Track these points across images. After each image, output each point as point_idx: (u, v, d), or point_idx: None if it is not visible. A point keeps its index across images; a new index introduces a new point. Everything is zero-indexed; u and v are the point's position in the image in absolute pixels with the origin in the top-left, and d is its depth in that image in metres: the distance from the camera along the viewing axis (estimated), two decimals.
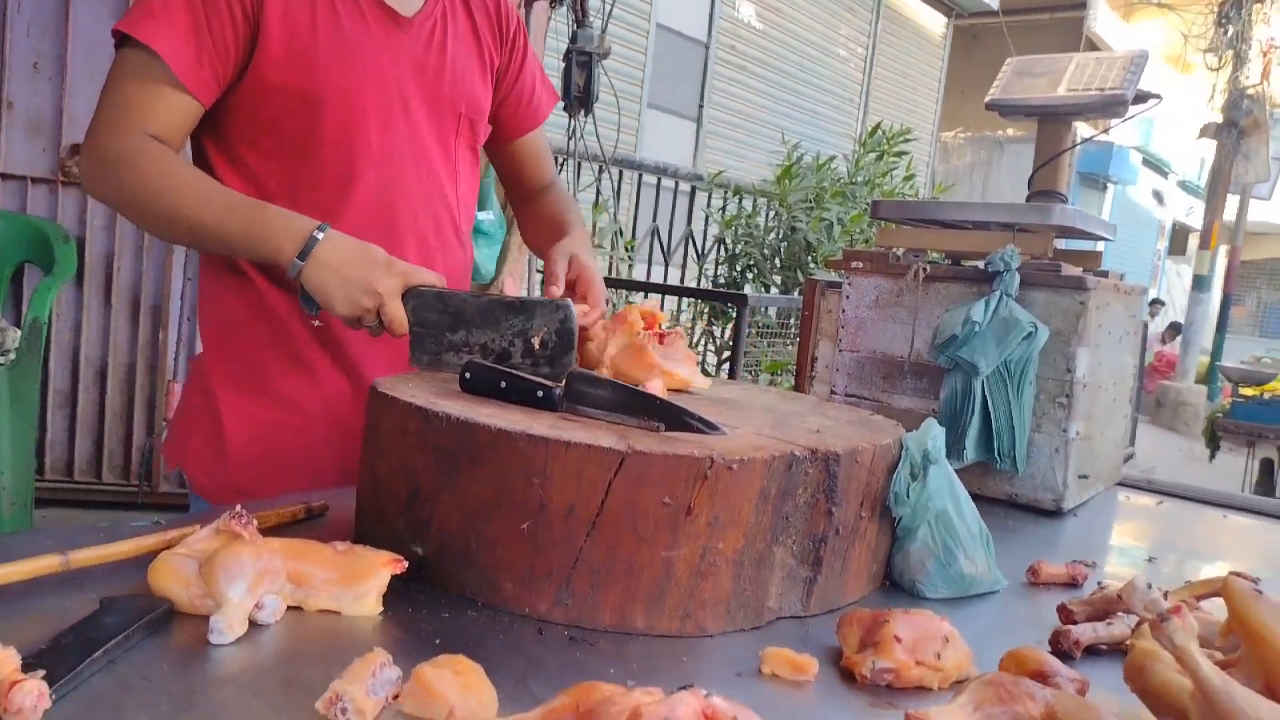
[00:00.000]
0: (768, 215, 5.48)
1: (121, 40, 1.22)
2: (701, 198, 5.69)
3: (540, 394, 0.96)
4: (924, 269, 1.54)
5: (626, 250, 4.73)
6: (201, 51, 1.22)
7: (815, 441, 0.91)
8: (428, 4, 1.37)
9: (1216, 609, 0.86)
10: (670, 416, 0.90)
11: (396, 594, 0.82)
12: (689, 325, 5.05)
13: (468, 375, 1.00)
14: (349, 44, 1.28)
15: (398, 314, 1.14)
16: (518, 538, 0.82)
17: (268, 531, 0.95)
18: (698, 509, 0.81)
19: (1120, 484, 1.71)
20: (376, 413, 0.95)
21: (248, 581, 0.74)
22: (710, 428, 0.88)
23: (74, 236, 3.69)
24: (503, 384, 0.98)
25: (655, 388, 1.03)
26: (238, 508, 0.85)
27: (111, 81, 1.22)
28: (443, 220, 1.39)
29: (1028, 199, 1.80)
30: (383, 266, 1.15)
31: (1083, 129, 1.99)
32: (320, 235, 1.15)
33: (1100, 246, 1.81)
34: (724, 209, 5.57)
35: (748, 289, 5.22)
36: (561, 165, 4.75)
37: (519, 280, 3.44)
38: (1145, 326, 8.35)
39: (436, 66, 1.36)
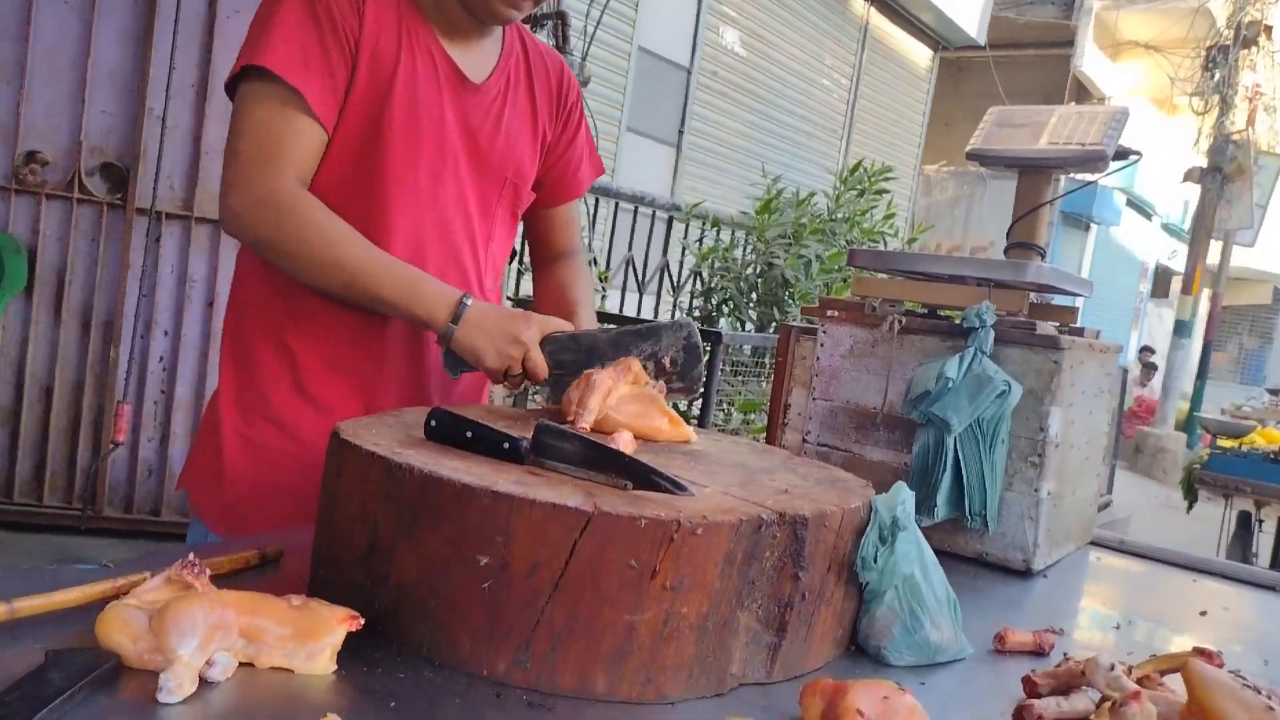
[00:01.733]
0: (745, 249, 5.54)
1: (248, 70, 1.29)
2: (679, 227, 5.73)
3: (506, 445, 0.97)
4: (899, 321, 1.57)
5: (600, 279, 4.76)
6: (335, 86, 1.31)
7: (783, 503, 0.93)
8: (495, 73, 1.47)
9: (1180, 684, 0.88)
10: (638, 474, 0.91)
11: (351, 650, 0.83)
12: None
13: (433, 423, 1.01)
14: (419, 97, 1.38)
15: (540, 359, 1.29)
16: (478, 596, 0.83)
17: (220, 579, 0.95)
18: (663, 572, 0.83)
19: (1093, 543, 1.75)
20: (337, 459, 0.96)
21: (199, 638, 0.75)
22: (678, 488, 0.90)
23: (26, 247, 3.66)
24: (469, 434, 0.99)
25: (624, 443, 1.05)
26: (190, 555, 0.86)
27: (253, 117, 1.29)
28: (468, 273, 1.48)
29: (1006, 250, 1.84)
30: (521, 319, 1.30)
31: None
32: (468, 302, 1.30)
33: (1078, 302, 1.86)
34: (701, 240, 5.62)
35: (723, 324, 5.26)
36: None
37: None
38: (1125, 372, 8.50)
39: (491, 133, 1.47)
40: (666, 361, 1.28)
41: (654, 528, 0.82)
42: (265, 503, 1.37)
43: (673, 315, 5.41)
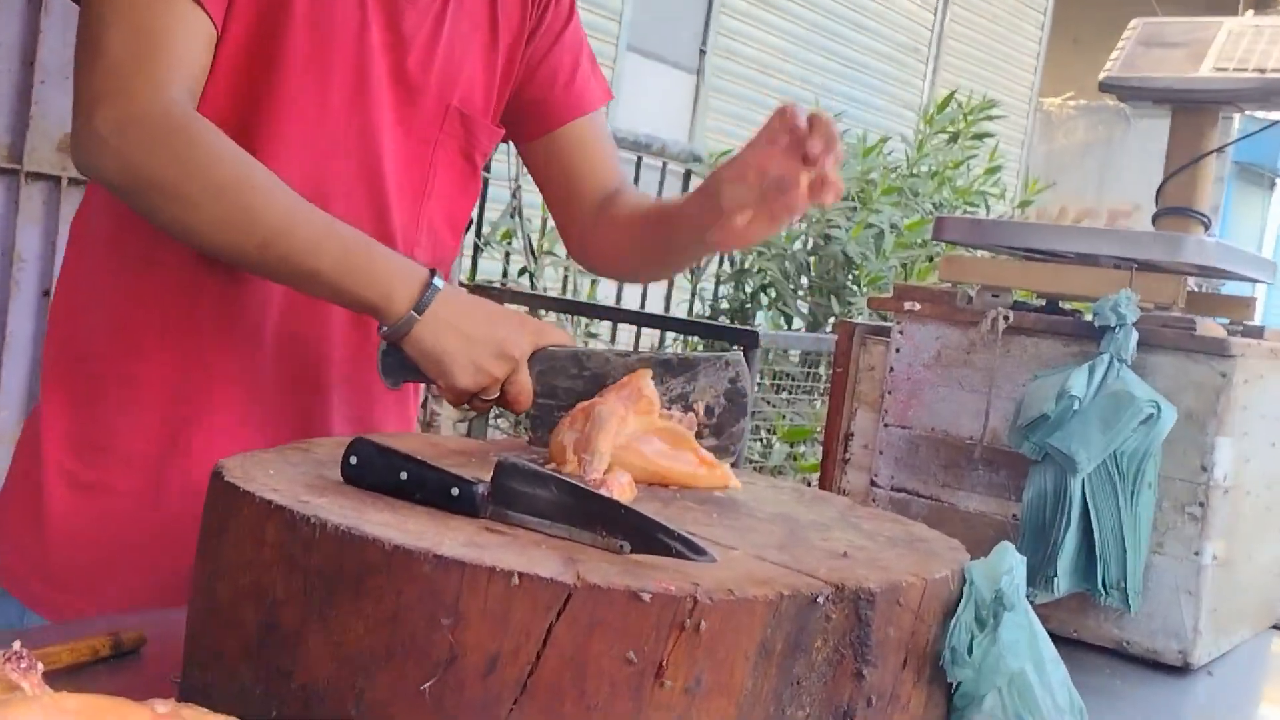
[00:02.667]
0: None
1: None
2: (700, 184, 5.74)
3: (456, 491, 0.98)
4: (1004, 317, 1.57)
5: None
6: None
7: (841, 571, 0.93)
8: None
9: None
10: (638, 532, 0.92)
11: None
12: None
13: (354, 459, 1.02)
14: None
15: (527, 383, 1.28)
16: (416, 701, 0.84)
17: (57, 676, 0.95)
18: (672, 669, 0.83)
19: (1276, 628, 1.75)
20: (220, 510, 0.97)
21: None
22: (694, 550, 0.90)
23: None
24: (403, 474, 1.00)
25: (619, 488, 1.05)
26: (16, 645, 0.86)
27: (120, 3, 1.26)
28: (394, 243, 1.45)
29: (1155, 218, 1.85)
30: (515, 323, 1.29)
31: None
32: (439, 284, 1.26)
33: (1256, 290, 1.86)
34: None
35: (760, 319, 5.27)
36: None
37: None
38: None
39: (429, 42, 1.45)
40: (700, 408, 1.28)
41: (660, 607, 0.82)
42: (107, 572, 1.36)
43: (691, 307, 5.41)
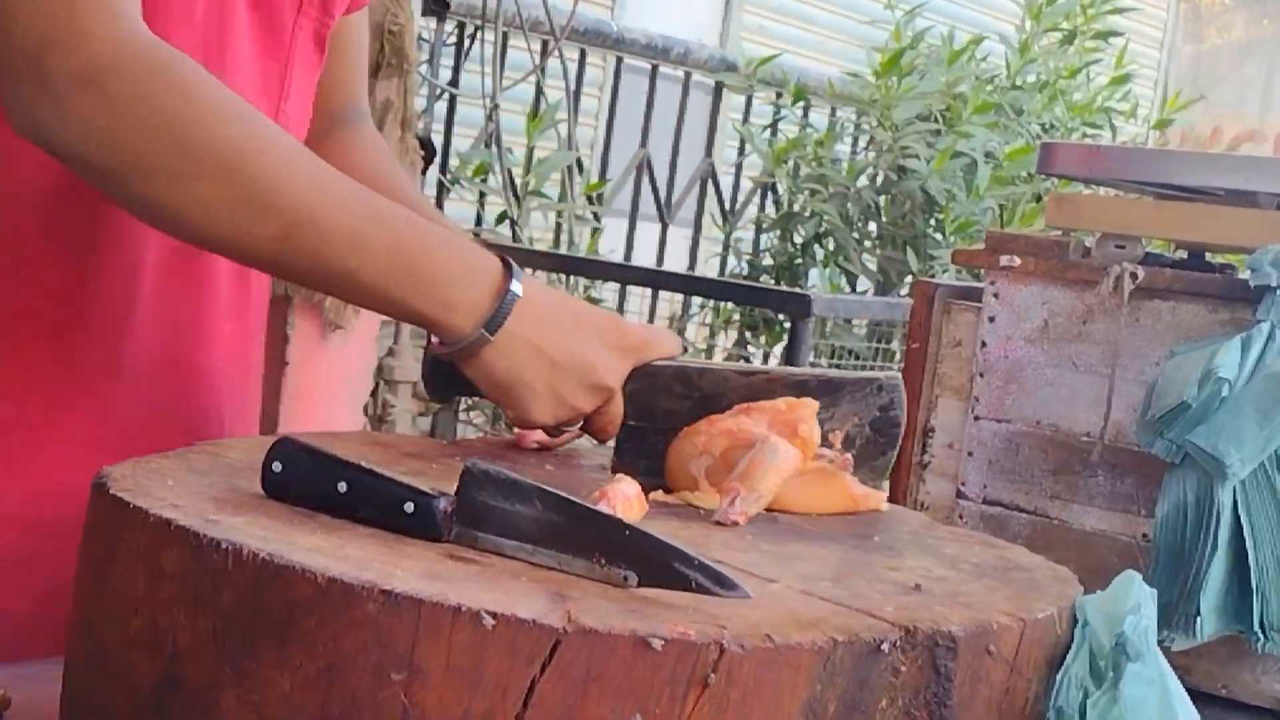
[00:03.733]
0: (857, 141, 5.52)
1: None
2: (733, 101, 5.72)
3: (411, 507, 0.98)
4: (1133, 275, 1.57)
5: (591, 200, 4.76)
6: None
7: (913, 611, 0.94)
8: None
9: None
10: (648, 559, 0.92)
11: None
12: (706, 343, 5.07)
13: (277, 465, 1.02)
14: None
15: (619, 413, 1.29)
16: None
17: None
18: None
19: None
20: (105, 533, 0.97)
21: None
22: (720, 583, 0.90)
23: None
24: (342, 485, 1.00)
25: (623, 500, 1.06)
26: None
27: None
28: None
29: None
30: (610, 341, 1.27)
31: None
32: (517, 291, 1.22)
33: None
34: (774, 126, 5.60)
35: (814, 278, 5.25)
36: (472, 40, 4.71)
37: None
38: None
39: None
40: (837, 437, 1.29)
41: (676, 657, 0.83)
42: None
43: (723, 263, 5.39)
